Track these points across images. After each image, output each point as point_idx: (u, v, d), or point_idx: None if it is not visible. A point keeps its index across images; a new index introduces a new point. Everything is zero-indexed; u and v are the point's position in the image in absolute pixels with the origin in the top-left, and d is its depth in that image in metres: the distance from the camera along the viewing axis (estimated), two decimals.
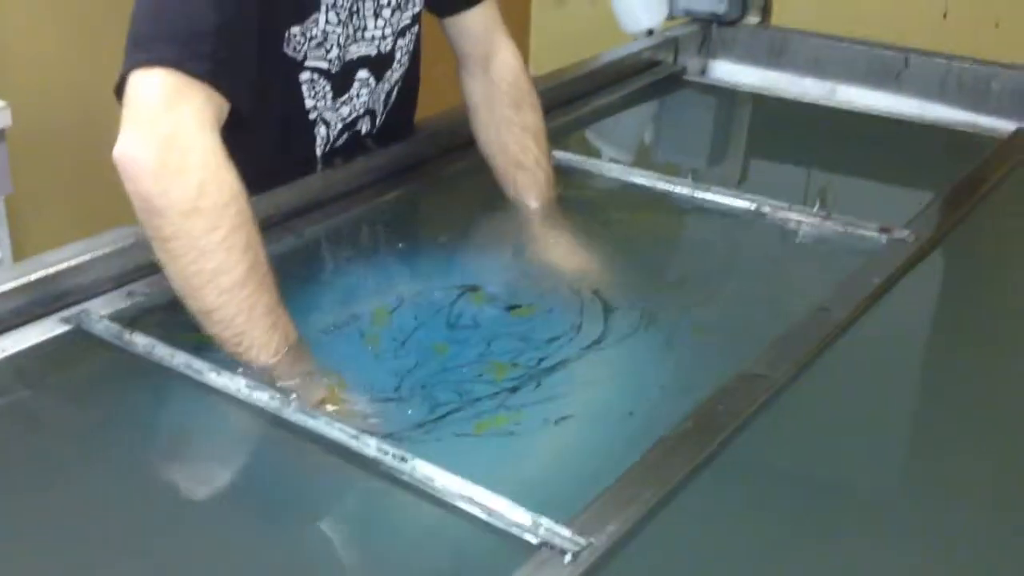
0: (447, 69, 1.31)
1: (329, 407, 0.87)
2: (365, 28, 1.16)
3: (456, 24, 1.26)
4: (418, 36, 1.26)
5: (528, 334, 1.00)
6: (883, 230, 1.19)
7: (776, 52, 1.78)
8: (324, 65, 1.14)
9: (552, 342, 0.98)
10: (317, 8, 1.09)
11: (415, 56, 1.27)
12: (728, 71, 1.82)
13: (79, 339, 0.94)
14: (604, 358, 0.97)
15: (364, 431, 0.82)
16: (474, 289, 1.07)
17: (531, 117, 1.27)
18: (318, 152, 1.21)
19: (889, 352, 1.03)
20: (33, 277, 0.96)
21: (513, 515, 0.75)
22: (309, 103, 1.15)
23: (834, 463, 0.86)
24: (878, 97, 1.68)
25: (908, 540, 0.78)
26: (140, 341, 0.92)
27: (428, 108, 1.39)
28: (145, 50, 0.91)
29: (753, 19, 1.84)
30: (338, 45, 1.14)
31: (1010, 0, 1.71)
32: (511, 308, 1.05)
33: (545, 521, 0.74)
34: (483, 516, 0.75)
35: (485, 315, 1.03)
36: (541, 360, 0.95)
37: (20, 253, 2.15)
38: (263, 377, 0.89)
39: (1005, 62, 1.62)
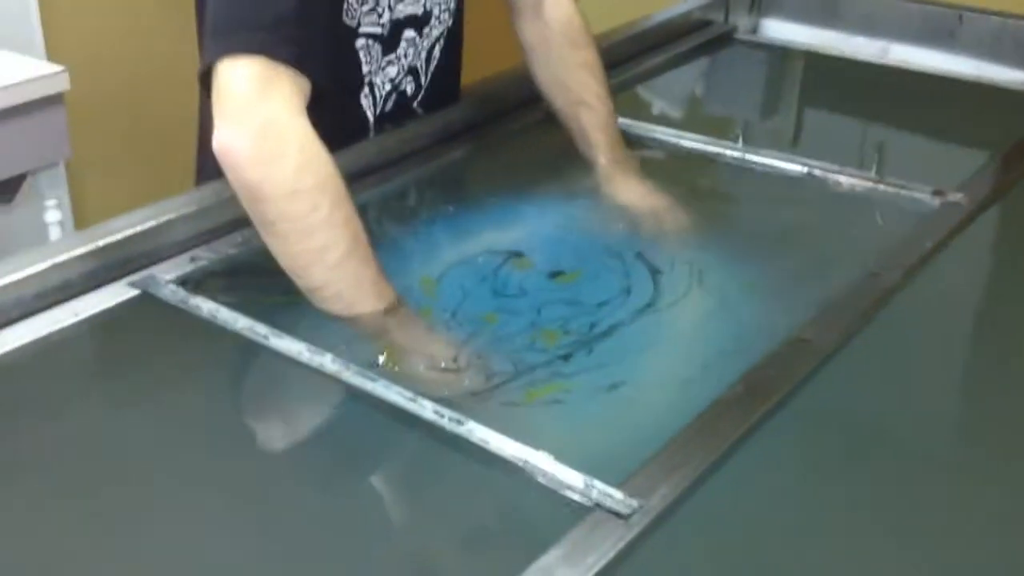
0: (491, 35, 1.31)
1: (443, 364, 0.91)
2: None
3: None
4: None
5: (576, 299, 1.01)
6: (936, 193, 1.19)
7: (828, 10, 1.76)
8: (377, 30, 1.16)
9: (602, 307, 1.00)
10: None
11: (456, 16, 1.27)
12: (779, 30, 1.80)
13: (146, 303, 0.97)
14: (656, 322, 0.98)
15: (421, 395, 0.84)
16: (518, 255, 1.08)
17: (588, 54, 1.28)
18: (370, 118, 1.23)
19: (940, 318, 1.03)
20: (101, 243, 0.99)
21: (566, 477, 0.77)
22: (365, 68, 1.17)
23: (885, 429, 0.87)
24: (932, 56, 1.66)
25: (966, 502, 0.79)
26: (204, 306, 0.95)
27: (474, 74, 1.40)
28: (229, 39, 0.94)
29: None
30: (388, 8, 1.15)
31: None
32: (555, 275, 1.05)
33: (598, 483, 0.76)
34: (537, 478, 0.77)
35: (531, 282, 1.04)
36: (592, 326, 0.97)
37: (80, 216, 2.21)
38: (377, 337, 0.94)
39: None
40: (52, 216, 1.99)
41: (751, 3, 1.80)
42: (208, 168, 1.21)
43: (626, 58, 1.60)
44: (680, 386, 0.92)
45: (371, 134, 1.24)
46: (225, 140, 0.92)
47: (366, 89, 1.20)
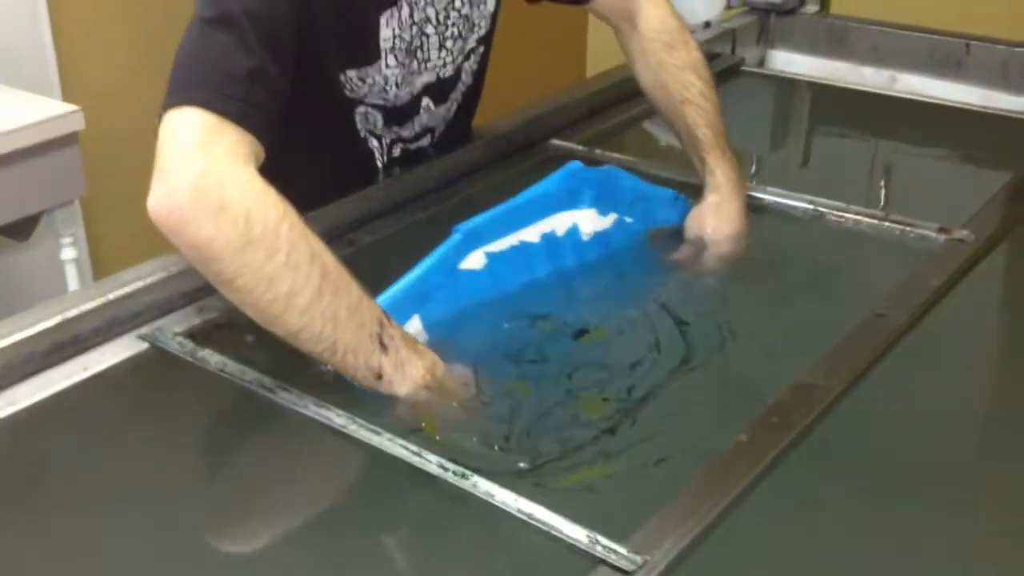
0: (505, 74, 1.32)
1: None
2: (428, 60, 1.18)
3: (593, 8, 1.31)
4: (484, 58, 1.27)
5: (606, 361, 0.98)
6: (941, 230, 1.18)
7: (835, 41, 1.77)
8: (383, 103, 1.17)
9: (635, 368, 0.97)
10: (378, 57, 1.12)
11: (480, 73, 1.29)
12: (787, 61, 1.81)
13: (155, 356, 0.99)
14: (695, 381, 0.96)
15: (426, 448, 0.85)
16: (543, 318, 1.04)
17: (686, 54, 1.28)
18: (378, 164, 1.24)
19: (947, 360, 1.03)
20: (111, 296, 1.00)
21: (570, 532, 0.77)
22: (361, 130, 1.19)
23: (894, 476, 0.87)
24: (939, 85, 1.66)
25: (980, 554, 0.79)
26: (212, 359, 0.96)
27: (485, 111, 1.41)
28: (178, 93, 0.91)
29: (812, 8, 1.83)
30: (399, 84, 1.16)
31: None
32: (579, 334, 1.02)
33: (602, 539, 0.76)
34: (541, 533, 0.78)
35: (553, 346, 1.00)
36: (631, 390, 0.94)
37: (96, 253, 2.23)
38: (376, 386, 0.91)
39: None
40: (68, 254, 2.01)
41: (758, 35, 1.81)
42: None
43: (632, 94, 1.61)
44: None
45: (380, 177, 1.25)
46: (160, 200, 0.86)
47: (371, 140, 1.21)
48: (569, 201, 1.11)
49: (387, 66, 1.13)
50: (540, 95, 1.54)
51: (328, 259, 0.90)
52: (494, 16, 1.25)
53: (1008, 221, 1.21)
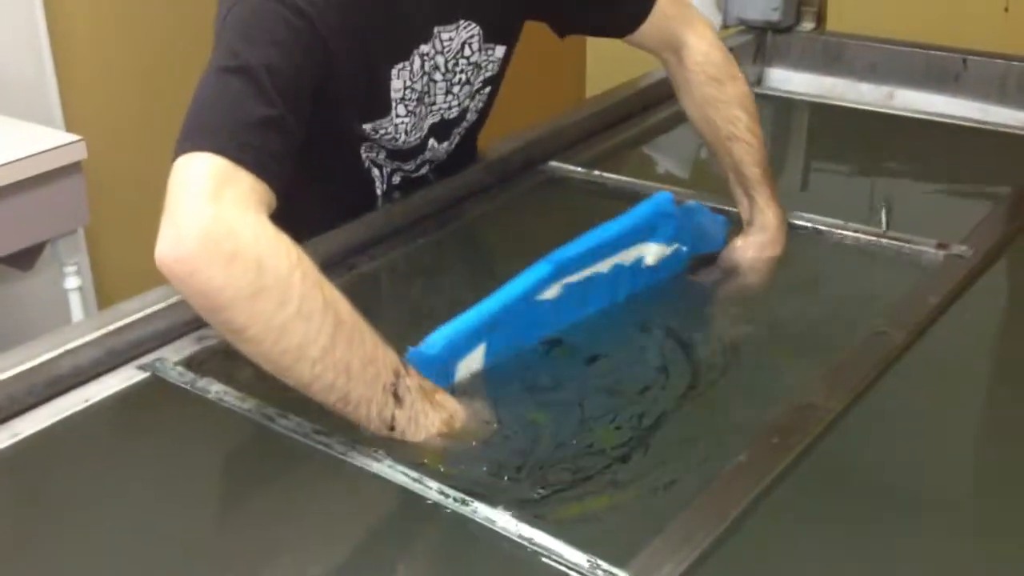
0: (504, 95, 1.33)
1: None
2: (434, 103, 1.19)
3: (634, 40, 1.30)
4: (491, 97, 1.27)
5: (617, 387, 0.98)
6: (940, 246, 1.18)
7: (832, 58, 1.78)
8: (392, 146, 1.18)
9: (644, 393, 0.97)
10: (389, 110, 1.13)
11: (486, 110, 1.29)
12: (784, 79, 1.81)
13: (155, 386, 0.99)
14: (701, 405, 0.96)
15: (426, 475, 0.85)
16: (558, 343, 1.04)
17: (733, 89, 1.27)
18: (378, 191, 1.25)
19: (948, 377, 1.02)
20: (111, 327, 1.01)
21: (571, 557, 0.77)
22: (365, 160, 1.20)
23: (895, 495, 0.87)
24: (937, 101, 1.66)
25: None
26: (212, 388, 0.96)
27: (485, 132, 1.41)
28: (192, 138, 0.89)
29: (807, 26, 1.83)
30: (407, 132, 1.17)
31: None
32: (593, 359, 1.02)
33: (602, 563, 0.76)
34: (541, 558, 0.78)
35: (566, 373, 1.00)
36: (641, 417, 0.94)
37: (100, 282, 2.24)
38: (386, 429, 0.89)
39: None
40: (72, 283, 2.02)
41: (755, 53, 1.82)
42: None
43: (631, 115, 1.62)
44: None
45: (379, 202, 1.26)
46: (168, 248, 0.84)
47: (373, 169, 1.22)
48: (649, 234, 1.10)
49: (398, 115, 1.14)
50: (539, 116, 1.55)
51: (343, 308, 0.87)
52: (504, 60, 1.24)
53: (1006, 236, 1.21)
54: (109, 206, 2.14)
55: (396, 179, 1.26)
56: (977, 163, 1.50)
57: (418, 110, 1.16)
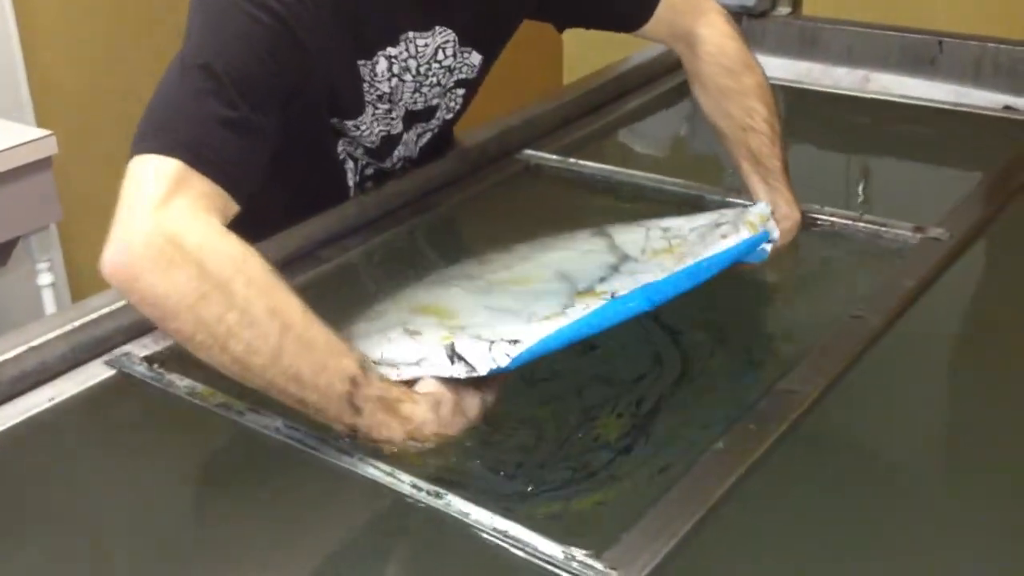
0: (483, 84, 1.31)
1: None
2: (401, 99, 1.17)
3: (643, 34, 1.28)
4: (467, 98, 1.25)
5: (612, 376, 0.97)
6: (917, 229, 1.18)
7: (808, 42, 1.76)
8: (366, 144, 1.17)
9: (639, 382, 0.97)
10: (362, 111, 1.12)
11: (461, 111, 1.27)
12: (760, 63, 1.80)
13: (122, 382, 0.97)
14: (695, 392, 0.96)
15: (399, 469, 0.84)
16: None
17: (750, 79, 1.24)
18: (350, 184, 1.23)
19: (925, 361, 1.02)
20: (77, 323, 0.99)
21: (545, 548, 0.76)
22: (341, 153, 1.18)
23: (871, 484, 0.86)
24: (913, 84, 1.65)
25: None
26: (180, 383, 0.95)
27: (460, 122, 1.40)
28: (148, 139, 0.88)
29: (783, 10, 1.82)
30: (380, 124, 1.16)
31: None
32: (589, 350, 0.99)
33: (577, 553, 0.75)
34: (515, 550, 0.77)
35: (563, 363, 0.96)
36: (639, 403, 0.93)
37: (74, 277, 2.21)
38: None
39: None
40: (45, 279, 2.00)
41: None
42: None
43: (607, 102, 1.60)
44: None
45: (351, 192, 1.24)
46: (113, 254, 0.83)
47: (347, 161, 1.21)
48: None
49: (372, 115, 1.13)
50: (516, 103, 1.53)
51: (292, 314, 0.84)
52: (483, 67, 1.22)
53: (983, 219, 1.21)
54: (82, 202, 2.11)
55: (369, 170, 1.24)
56: (953, 146, 1.49)
57: (383, 107, 1.15)
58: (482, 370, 0.86)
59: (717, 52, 1.25)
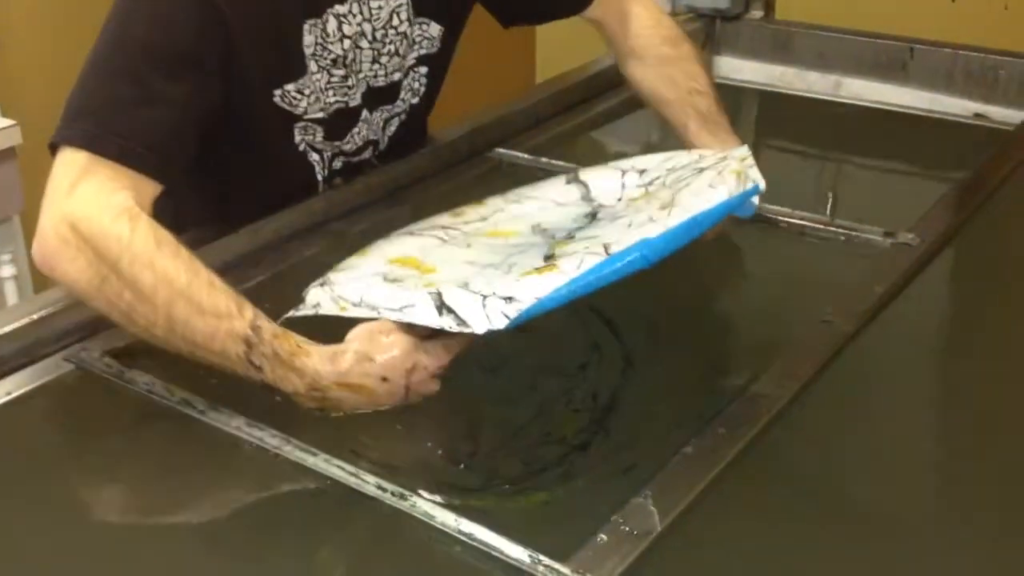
0: (452, 80, 1.30)
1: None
2: (360, 71, 1.16)
3: (585, 16, 1.29)
4: (433, 79, 1.24)
5: (554, 362, 0.96)
6: (887, 234, 1.18)
7: (780, 46, 1.76)
8: (321, 115, 1.15)
9: (584, 369, 0.96)
10: (304, 70, 1.09)
11: (427, 96, 1.26)
12: (732, 67, 1.80)
13: (81, 378, 0.95)
14: (647, 383, 0.95)
15: (364, 470, 0.82)
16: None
17: (687, 47, 1.28)
18: (319, 177, 1.21)
19: (894, 366, 1.01)
20: (34, 316, 0.97)
21: (511, 552, 0.75)
22: (300, 143, 1.16)
23: (841, 488, 0.86)
24: (884, 90, 1.66)
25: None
26: (140, 379, 0.93)
27: (432, 120, 1.38)
28: (63, 127, 0.94)
29: (756, 13, 1.82)
30: (336, 93, 1.14)
31: None
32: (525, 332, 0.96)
33: (544, 559, 0.74)
34: (481, 553, 0.75)
35: (506, 347, 0.96)
36: (595, 396, 0.93)
37: (36, 268, 2.17)
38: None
39: (1013, 50, 1.59)
40: (6, 271, 1.97)
41: (704, 41, 1.80)
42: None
43: (579, 102, 1.60)
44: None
45: (321, 187, 1.23)
46: (35, 246, 0.91)
47: (311, 154, 1.19)
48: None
49: (313, 73, 1.11)
50: (487, 101, 1.52)
51: (177, 284, 0.87)
52: (444, 40, 1.21)
53: (953, 225, 1.21)
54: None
55: (337, 164, 1.22)
56: (924, 152, 1.50)
57: (338, 72, 1.13)
58: (478, 328, 0.82)
59: (655, 24, 1.29)
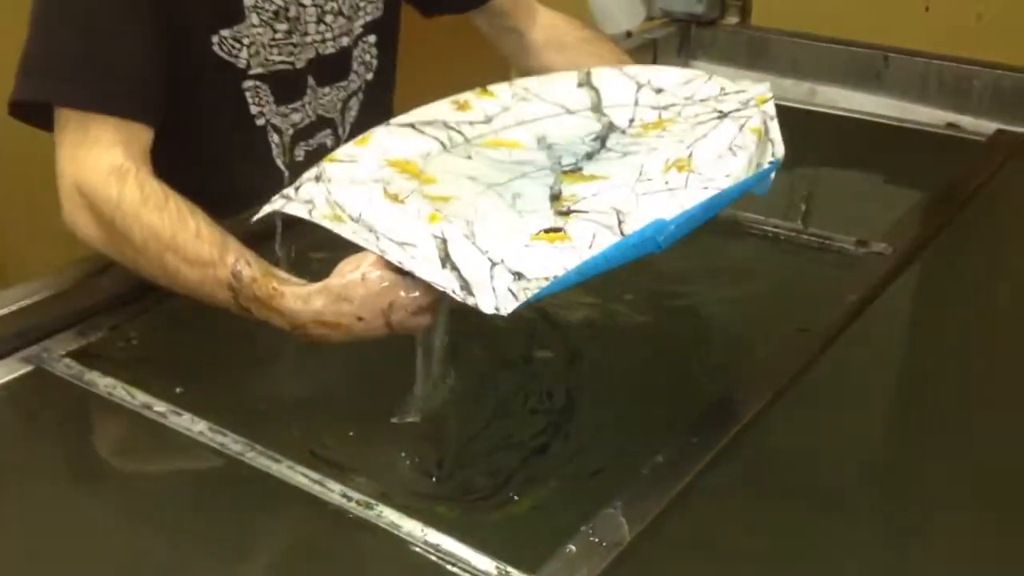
0: (427, 77, 1.28)
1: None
2: (307, 34, 1.15)
3: (491, 7, 1.27)
4: (383, 51, 1.23)
5: (507, 354, 0.95)
6: (860, 243, 1.17)
7: (755, 53, 1.76)
8: (266, 71, 1.13)
9: (529, 363, 0.95)
10: (243, 17, 1.09)
11: (382, 72, 1.24)
12: (707, 72, 1.79)
13: (41, 379, 0.93)
14: (604, 385, 0.94)
15: (329, 477, 0.81)
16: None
17: (602, 33, 1.28)
18: (278, 163, 1.19)
19: (868, 375, 1.01)
20: None
21: (478, 563, 0.73)
22: (255, 109, 1.15)
23: (814, 496, 0.85)
24: (858, 98, 1.66)
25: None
26: (101, 381, 0.90)
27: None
28: (31, 85, 1.00)
29: (732, 19, 1.82)
30: (280, 51, 1.13)
31: None
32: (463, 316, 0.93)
33: (512, 570, 0.72)
34: (448, 565, 0.74)
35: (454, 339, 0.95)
36: (550, 395, 0.92)
37: (2, 264, 2.13)
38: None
39: (986, 60, 1.60)
40: None
41: (679, 46, 1.80)
42: None
43: None
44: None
45: (285, 178, 1.20)
46: (63, 212, 0.98)
47: (270, 133, 1.17)
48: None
49: (254, 26, 1.10)
50: None
51: (161, 239, 0.91)
52: (389, 7, 1.21)
53: (925, 234, 1.21)
54: (10, 186, 2.04)
55: (300, 154, 1.20)
56: (897, 161, 1.49)
57: (284, 28, 1.12)
58: (484, 305, 0.78)
59: (564, 14, 1.28)
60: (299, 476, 0.81)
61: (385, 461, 0.85)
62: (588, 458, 0.86)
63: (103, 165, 0.95)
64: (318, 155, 1.21)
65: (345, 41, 1.19)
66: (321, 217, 0.86)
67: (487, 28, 1.31)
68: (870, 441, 0.93)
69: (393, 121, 1.00)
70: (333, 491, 0.79)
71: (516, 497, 0.82)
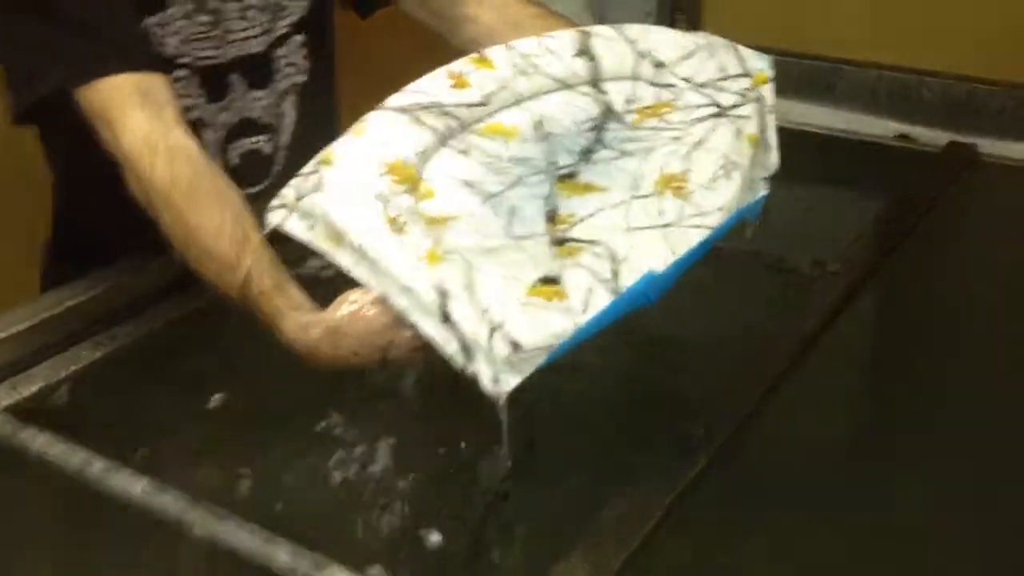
0: (384, 86, 1.25)
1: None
2: (230, 30, 1.13)
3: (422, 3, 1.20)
4: (314, 52, 1.20)
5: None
6: (815, 264, 1.16)
7: None
8: (193, 64, 1.12)
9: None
10: (163, 5, 1.08)
11: (315, 74, 1.21)
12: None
13: None
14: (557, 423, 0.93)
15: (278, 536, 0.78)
16: None
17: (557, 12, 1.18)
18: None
19: (826, 398, 1.00)
20: None
21: None
22: (187, 102, 1.12)
23: (781, 531, 0.84)
24: (810, 111, 1.65)
25: None
26: (36, 440, 0.87)
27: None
28: (73, 67, 0.99)
29: (682, 29, 1.80)
30: (204, 45, 1.12)
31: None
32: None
33: None
34: None
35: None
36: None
37: None
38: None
39: (936, 70, 1.60)
40: None
41: None
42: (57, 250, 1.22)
43: None
44: None
45: None
46: None
47: (202, 129, 1.14)
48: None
49: (177, 18, 1.09)
50: None
51: (186, 224, 0.93)
52: (315, 5, 1.18)
53: (880, 251, 1.20)
54: None
55: (235, 157, 1.18)
56: (849, 175, 1.49)
57: (203, 20, 1.10)
58: (483, 377, 0.77)
59: None
60: (245, 535, 0.78)
61: (341, 520, 0.83)
62: (548, 504, 0.84)
63: (136, 135, 0.96)
64: (253, 160, 1.19)
65: (270, 39, 1.16)
66: (323, 239, 0.85)
67: (432, 20, 1.21)
68: (829, 463, 0.92)
69: (389, 102, 0.96)
70: (279, 550, 0.76)
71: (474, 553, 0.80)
